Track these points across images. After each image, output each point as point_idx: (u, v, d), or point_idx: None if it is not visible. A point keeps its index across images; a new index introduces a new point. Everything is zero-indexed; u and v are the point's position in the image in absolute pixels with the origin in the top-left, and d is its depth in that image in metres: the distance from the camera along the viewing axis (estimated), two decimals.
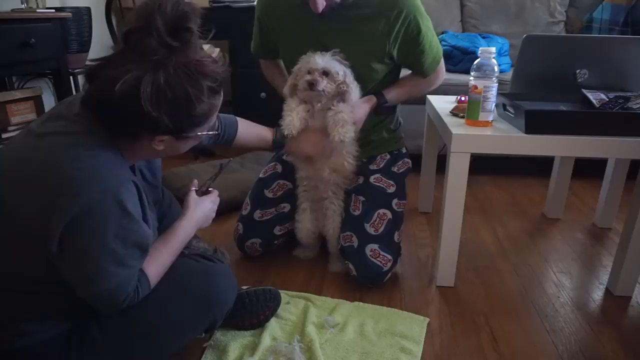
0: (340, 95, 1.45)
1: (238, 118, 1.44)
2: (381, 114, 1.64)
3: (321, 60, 1.42)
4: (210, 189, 1.25)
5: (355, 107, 1.49)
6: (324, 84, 1.41)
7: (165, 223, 1.31)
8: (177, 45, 0.84)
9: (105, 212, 0.84)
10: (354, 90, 1.47)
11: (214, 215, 1.22)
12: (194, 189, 1.21)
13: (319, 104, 1.47)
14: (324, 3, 1.38)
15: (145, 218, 0.95)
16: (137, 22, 0.83)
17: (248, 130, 1.47)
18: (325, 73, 1.42)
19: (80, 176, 0.84)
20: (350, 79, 1.46)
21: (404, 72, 1.70)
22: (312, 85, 1.41)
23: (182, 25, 0.85)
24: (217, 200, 1.24)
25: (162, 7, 0.82)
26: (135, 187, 0.92)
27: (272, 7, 1.57)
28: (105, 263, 0.87)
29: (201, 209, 1.17)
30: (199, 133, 0.97)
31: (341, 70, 1.44)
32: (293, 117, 1.45)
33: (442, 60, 1.65)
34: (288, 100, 1.51)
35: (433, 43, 1.55)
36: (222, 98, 0.97)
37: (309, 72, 1.43)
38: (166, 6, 0.83)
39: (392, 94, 1.61)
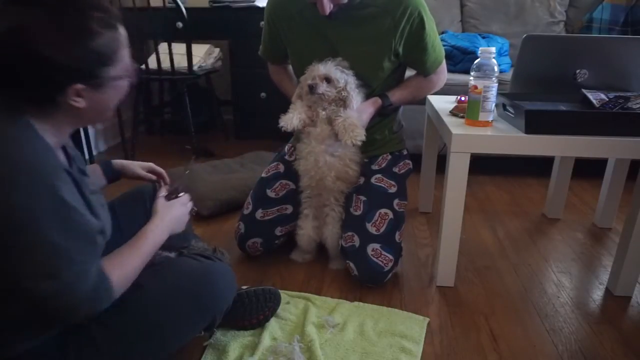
0: (341, 101, 1.51)
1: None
2: (385, 115, 1.66)
3: (323, 67, 1.49)
4: (180, 194, 1.20)
5: (360, 112, 1.54)
6: (323, 88, 1.49)
7: None
8: None
9: (38, 204, 0.79)
10: (355, 97, 1.52)
11: (186, 218, 1.19)
12: (162, 195, 1.17)
13: (323, 112, 1.53)
14: (331, 5, 1.42)
15: (92, 211, 0.89)
16: None
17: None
18: (327, 79, 1.49)
19: (3, 171, 0.78)
20: (351, 86, 1.51)
21: (408, 74, 1.72)
22: (312, 88, 1.48)
23: None
24: (189, 203, 1.21)
25: None
26: (69, 176, 0.86)
27: (282, 8, 1.60)
28: (49, 259, 0.81)
29: (171, 212, 1.13)
30: (113, 74, 0.88)
31: (342, 78, 1.50)
32: (294, 115, 1.52)
33: (444, 63, 1.67)
34: (296, 102, 1.57)
35: (436, 43, 1.58)
36: (125, 36, 0.90)
37: (312, 79, 1.50)
38: None
39: (396, 96, 1.63)
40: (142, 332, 1.00)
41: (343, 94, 1.50)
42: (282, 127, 1.50)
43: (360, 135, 1.48)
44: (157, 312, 1.01)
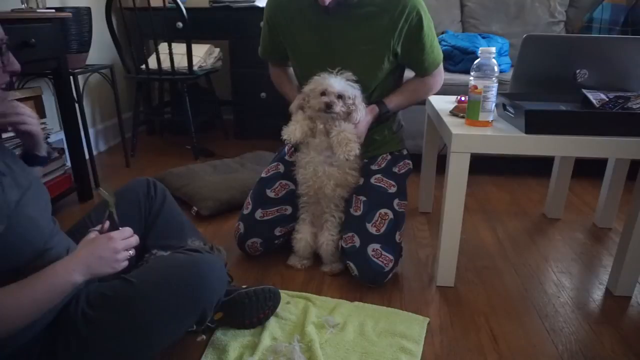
0: (346, 114, 1.51)
1: None
2: (383, 121, 1.66)
3: (337, 84, 1.47)
4: (120, 227, 1.04)
5: (358, 122, 1.53)
6: (339, 107, 1.47)
7: (161, 222, 1.30)
8: None
9: None
10: (361, 110, 1.52)
11: (120, 257, 0.99)
12: (95, 229, 1.04)
13: (322, 126, 1.53)
14: None
15: None
16: None
17: None
18: (340, 96, 1.47)
19: None
20: (359, 100, 1.51)
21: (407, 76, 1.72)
22: (329, 106, 1.46)
23: None
24: (130, 238, 1.03)
25: None
26: None
27: (282, 8, 1.60)
28: None
29: (92, 249, 0.96)
30: None
31: (353, 94, 1.50)
32: (297, 127, 1.52)
33: (442, 66, 1.67)
34: (297, 113, 1.57)
35: (434, 43, 1.58)
36: None
37: (322, 94, 1.48)
38: None
39: (393, 103, 1.64)
40: (131, 326, 0.98)
41: (352, 108, 1.50)
42: (285, 140, 1.51)
43: (354, 150, 1.48)
44: (146, 305, 0.99)
